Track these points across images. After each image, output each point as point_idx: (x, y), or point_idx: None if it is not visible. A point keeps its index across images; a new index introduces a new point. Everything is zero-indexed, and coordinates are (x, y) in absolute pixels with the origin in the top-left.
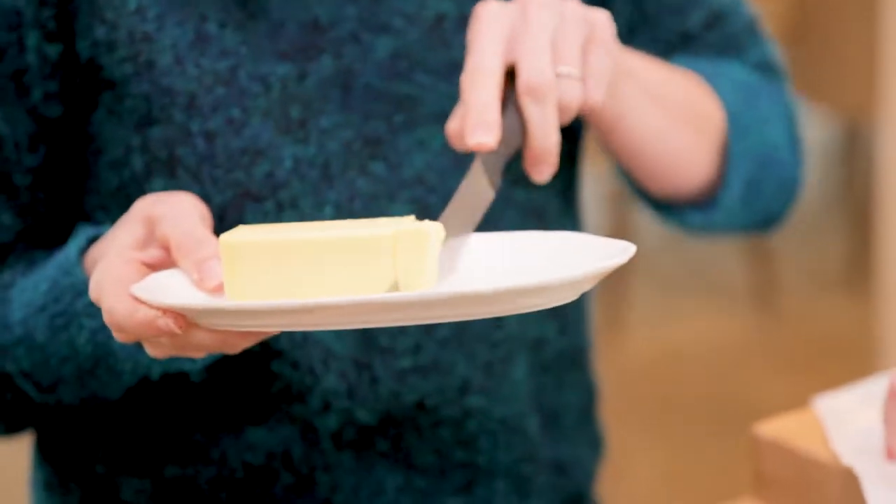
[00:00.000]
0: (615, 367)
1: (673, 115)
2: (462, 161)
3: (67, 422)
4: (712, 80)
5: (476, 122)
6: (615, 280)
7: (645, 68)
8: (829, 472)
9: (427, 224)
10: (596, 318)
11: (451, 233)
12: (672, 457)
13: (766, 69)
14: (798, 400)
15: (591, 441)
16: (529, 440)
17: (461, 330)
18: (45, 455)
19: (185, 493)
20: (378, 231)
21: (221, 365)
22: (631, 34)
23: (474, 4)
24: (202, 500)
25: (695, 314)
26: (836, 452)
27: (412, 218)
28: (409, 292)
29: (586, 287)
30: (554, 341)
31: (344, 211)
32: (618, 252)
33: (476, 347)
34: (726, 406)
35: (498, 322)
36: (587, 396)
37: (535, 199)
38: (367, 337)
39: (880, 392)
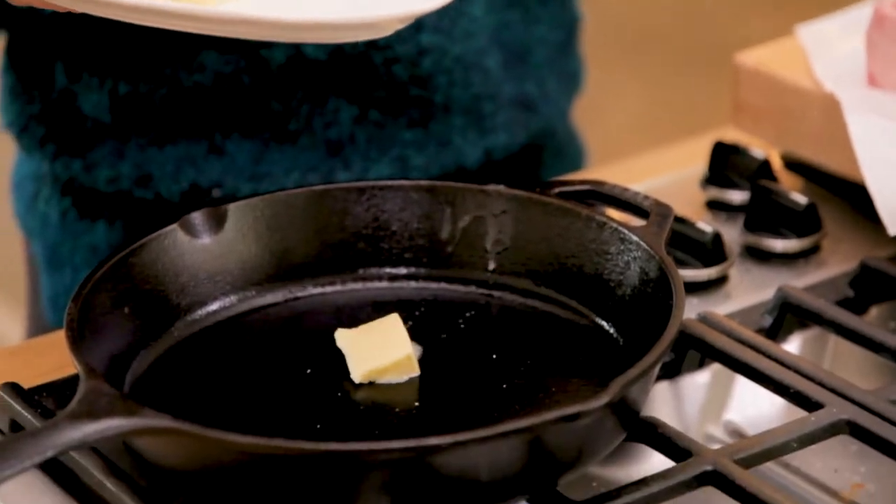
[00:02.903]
0: (591, 2)
1: None
2: None
3: (28, 28)
4: None
5: None
6: None
7: None
8: (810, 99)
9: None
10: None
11: None
12: (652, 91)
13: None
14: (781, 34)
15: (566, 75)
16: (489, 77)
17: None
18: (12, 61)
19: (141, 109)
20: None
21: None
22: None
23: None
24: (157, 116)
25: None
26: (817, 79)
27: None
28: (188, 5)
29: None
30: None
31: None
32: None
33: None
34: (708, 40)
35: None
36: (565, 30)
37: None
38: None
39: (864, 18)
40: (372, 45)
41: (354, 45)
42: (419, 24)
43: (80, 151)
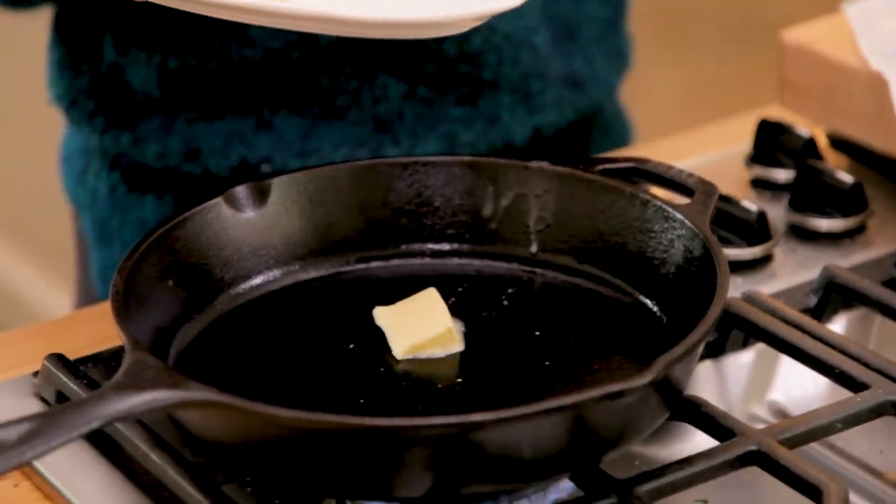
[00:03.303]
0: None
1: None
2: None
3: (77, 1)
4: None
5: None
6: None
7: None
8: (856, 77)
9: None
10: None
11: None
12: (696, 68)
13: None
14: (827, 11)
15: (614, 52)
16: (538, 55)
17: None
18: (60, 35)
19: (189, 83)
20: None
21: None
22: None
23: None
24: (205, 90)
25: None
26: (863, 57)
27: None
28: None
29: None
30: None
31: None
32: None
33: None
34: (753, 16)
35: None
36: (613, 7)
37: None
38: None
39: None
40: None
41: None
42: None
43: (128, 126)
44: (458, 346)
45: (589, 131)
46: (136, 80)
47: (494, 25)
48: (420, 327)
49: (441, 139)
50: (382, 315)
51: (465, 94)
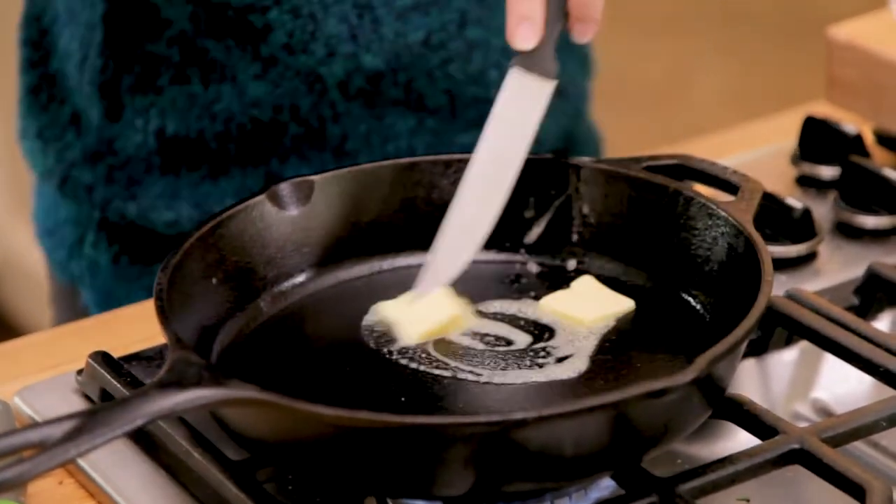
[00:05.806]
0: None
1: None
2: None
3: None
4: None
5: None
6: None
7: None
8: None
9: None
10: None
11: None
12: (743, 64)
13: None
14: (874, 7)
15: (582, 59)
16: None
17: None
18: (40, 103)
19: (191, 146)
20: None
21: (210, 18)
22: None
23: None
24: (209, 152)
25: None
26: None
27: None
28: None
29: None
30: None
31: None
32: None
33: None
34: (800, 13)
35: None
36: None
37: None
38: None
39: None
40: (426, 44)
41: (411, 49)
42: (463, 19)
43: (131, 195)
44: (468, 320)
45: (572, 141)
46: (132, 147)
47: (490, 42)
48: (429, 314)
49: None
50: (387, 308)
51: (471, 118)
